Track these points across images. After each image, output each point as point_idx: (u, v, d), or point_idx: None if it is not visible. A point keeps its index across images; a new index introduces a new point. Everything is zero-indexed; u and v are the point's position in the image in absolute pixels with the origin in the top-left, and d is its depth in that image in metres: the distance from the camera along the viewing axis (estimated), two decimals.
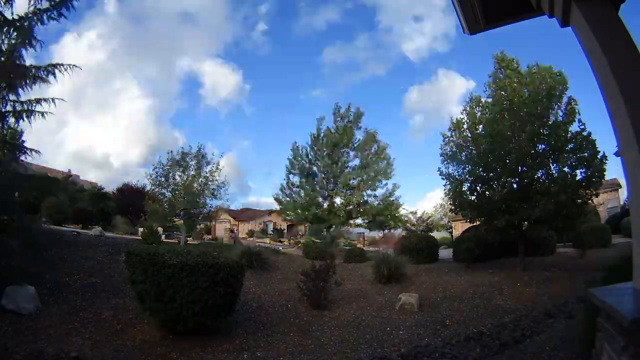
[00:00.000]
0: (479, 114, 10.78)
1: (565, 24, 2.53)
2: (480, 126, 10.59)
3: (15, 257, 6.68)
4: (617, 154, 8.71)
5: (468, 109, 11.02)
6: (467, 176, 10.56)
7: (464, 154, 10.56)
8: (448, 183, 10.81)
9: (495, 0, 2.95)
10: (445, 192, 11.21)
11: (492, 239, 11.01)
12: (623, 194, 21.66)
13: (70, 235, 13.18)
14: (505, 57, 10.62)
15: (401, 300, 7.60)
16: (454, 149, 10.82)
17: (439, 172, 11.05)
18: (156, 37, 75.16)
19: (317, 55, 69.27)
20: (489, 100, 10.84)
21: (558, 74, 9.91)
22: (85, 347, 5.03)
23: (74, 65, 8.44)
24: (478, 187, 10.45)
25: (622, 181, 19.82)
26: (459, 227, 30.97)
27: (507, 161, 9.46)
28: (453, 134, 11.03)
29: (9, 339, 4.88)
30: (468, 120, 10.77)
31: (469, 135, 10.65)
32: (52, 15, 7.98)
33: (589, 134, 9.41)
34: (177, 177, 16.74)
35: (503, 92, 10.30)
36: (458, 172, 10.78)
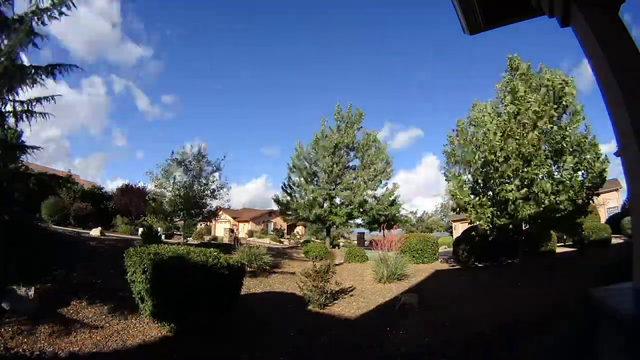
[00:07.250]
0: (486, 117, 10.62)
1: (565, 24, 2.54)
2: (481, 130, 10.47)
3: (14, 257, 6.68)
4: (617, 154, 8.67)
5: (471, 113, 10.94)
6: (470, 176, 10.56)
7: (470, 151, 10.45)
8: (451, 183, 10.81)
9: (496, 1, 2.96)
10: (450, 191, 11.18)
11: (492, 239, 11.01)
12: (623, 194, 21.68)
13: (70, 235, 13.20)
14: (518, 60, 10.45)
15: (401, 300, 7.59)
16: (456, 149, 10.79)
17: (442, 172, 11.09)
18: None
19: None
20: (494, 100, 10.75)
21: (566, 77, 9.90)
22: (86, 347, 5.04)
23: (75, 66, 8.44)
24: (480, 187, 10.44)
25: (622, 181, 19.83)
26: (459, 228, 31.03)
27: (510, 162, 9.45)
28: (456, 135, 10.97)
29: (9, 339, 4.88)
30: (472, 123, 10.67)
31: (470, 136, 10.59)
32: (53, 15, 7.98)
33: (593, 137, 9.49)
34: (177, 177, 16.78)
35: (513, 98, 10.16)
36: (462, 172, 10.79)
